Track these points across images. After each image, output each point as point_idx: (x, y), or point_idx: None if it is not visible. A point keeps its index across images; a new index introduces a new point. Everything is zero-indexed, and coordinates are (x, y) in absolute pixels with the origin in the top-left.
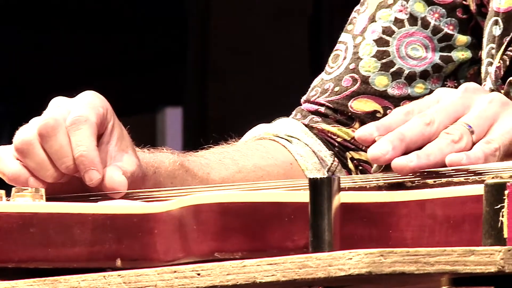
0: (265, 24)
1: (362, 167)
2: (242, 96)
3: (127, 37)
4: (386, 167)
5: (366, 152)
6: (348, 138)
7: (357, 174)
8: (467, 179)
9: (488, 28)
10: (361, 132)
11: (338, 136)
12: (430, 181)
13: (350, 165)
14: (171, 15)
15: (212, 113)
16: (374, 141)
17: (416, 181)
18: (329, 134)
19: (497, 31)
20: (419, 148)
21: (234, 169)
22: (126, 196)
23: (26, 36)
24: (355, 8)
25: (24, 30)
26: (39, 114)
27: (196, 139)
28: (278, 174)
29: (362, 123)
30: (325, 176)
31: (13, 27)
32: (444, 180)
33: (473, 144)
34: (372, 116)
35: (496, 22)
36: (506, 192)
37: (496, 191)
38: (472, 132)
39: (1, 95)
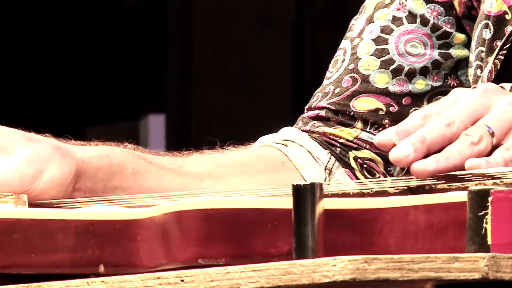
0: (248, 31)
1: (367, 165)
2: (225, 103)
3: (109, 44)
4: (409, 172)
5: (369, 150)
6: (351, 138)
7: (362, 173)
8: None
9: (478, 31)
10: (380, 137)
11: (340, 137)
12: (412, 185)
13: (353, 164)
14: (153, 21)
15: (195, 120)
16: (394, 146)
17: (400, 188)
18: (330, 136)
19: (487, 34)
20: (441, 149)
21: (211, 164)
22: (107, 202)
23: (9, 42)
24: (354, 17)
25: (5, 36)
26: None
27: (179, 146)
28: (264, 169)
29: (365, 122)
30: (308, 183)
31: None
32: (427, 187)
33: (493, 146)
34: (375, 114)
35: (486, 26)
36: (489, 198)
37: (479, 197)
38: (492, 134)
39: None
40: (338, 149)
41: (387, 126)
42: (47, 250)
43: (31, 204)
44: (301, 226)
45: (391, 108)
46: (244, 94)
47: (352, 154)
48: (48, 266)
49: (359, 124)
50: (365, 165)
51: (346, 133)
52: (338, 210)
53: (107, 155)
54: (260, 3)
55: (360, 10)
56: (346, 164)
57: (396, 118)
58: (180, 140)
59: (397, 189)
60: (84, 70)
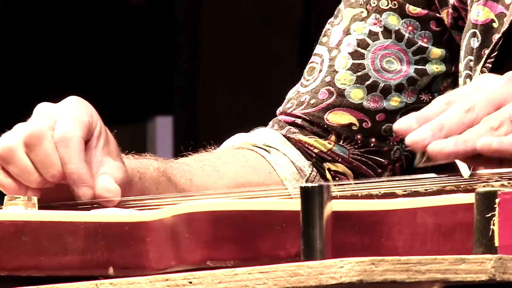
0: (255, 33)
1: (339, 178)
2: (233, 105)
3: (117, 46)
4: (428, 160)
5: (342, 164)
6: (325, 150)
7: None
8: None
9: (466, 40)
10: (399, 123)
11: (315, 148)
12: (421, 189)
13: (328, 175)
14: (161, 24)
15: (202, 122)
16: None
17: (408, 190)
18: (306, 145)
19: (475, 43)
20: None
21: (216, 176)
22: (118, 204)
23: (18, 44)
24: (329, 21)
25: (16, 38)
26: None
27: (186, 148)
28: (258, 182)
29: (338, 135)
30: (316, 184)
31: (3, 35)
32: (435, 188)
33: None
34: (348, 129)
35: (474, 34)
36: (497, 200)
37: (487, 199)
38: None
39: None
40: (314, 159)
41: (359, 141)
42: (57, 252)
43: (41, 207)
44: (309, 228)
45: (364, 124)
46: (251, 95)
47: (326, 165)
48: (58, 268)
49: (332, 137)
50: (337, 178)
51: (320, 144)
52: (346, 212)
53: (140, 178)
54: (267, 5)
55: (335, 13)
56: (322, 175)
57: (369, 134)
58: (187, 142)
59: (405, 190)
60: (91, 72)
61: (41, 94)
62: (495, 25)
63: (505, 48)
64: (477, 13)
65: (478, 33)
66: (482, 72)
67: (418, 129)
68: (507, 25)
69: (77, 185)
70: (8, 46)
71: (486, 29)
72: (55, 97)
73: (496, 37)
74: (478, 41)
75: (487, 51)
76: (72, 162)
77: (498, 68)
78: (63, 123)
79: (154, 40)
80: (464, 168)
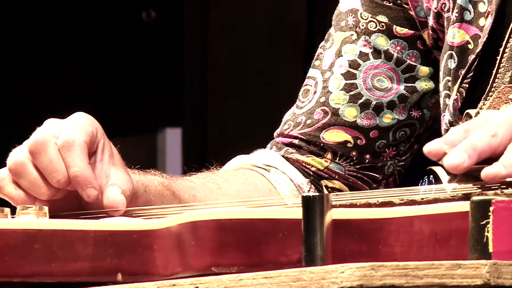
0: (263, 47)
1: None
2: (241, 117)
3: (126, 57)
4: (462, 178)
5: (339, 181)
6: (322, 168)
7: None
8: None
9: (444, 62)
10: (429, 147)
11: (312, 166)
12: (417, 198)
13: (325, 192)
14: (170, 37)
15: (211, 133)
16: (444, 154)
17: (405, 199)
18: (303, 164)
19: (452, 64)
20: (487, 158)
21: (218, 193)
22: (125, 214)
23: (21, 56)
24: (320, 45)
25: (19, 50)
26: None
27: (196, 159)
28: (258, 198)
29: (334, 153)
30: (317, 194)
31: (5, 47)
32: (431, 197)
33: None
34: (343, 146)
35: (451, 56)
36: (491, 208)
37: (481, 207)
38: None
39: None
40: (312, 177)
41: (355, 158)
42: (67, 259)
43: (52, 216)
44: (310, 236)
45: (358, 141)
46: (259, 108)
47: (323, 182)
48: (68, 274)
49: (329, 155)
50: None
51: (317, 163)
52: (346, 220)
53: (145, 191)
54: (274, 19)
55: (326, 37)
56: (319, 192)
57: (363, 151)
58: (197, 153)
59: (401, 199)
60: (102, 85)
61: (53, 106)
62: (470, 46)
63: (480, 68)
64: (453, 35)
65: (454, 54)
66: (459, 92)
67: (452, 152)
68: (481, 46)
69: (82, 187)
70: (22, 58)
71: (462, 50)
72: (68, 109)
73: (471, 58)
74: (454, 62)
75: (463, 72)
76: (76, 165)
77: (474, 88)
78: (67, 130)
79: (164, 54)
80: (444, 177)
